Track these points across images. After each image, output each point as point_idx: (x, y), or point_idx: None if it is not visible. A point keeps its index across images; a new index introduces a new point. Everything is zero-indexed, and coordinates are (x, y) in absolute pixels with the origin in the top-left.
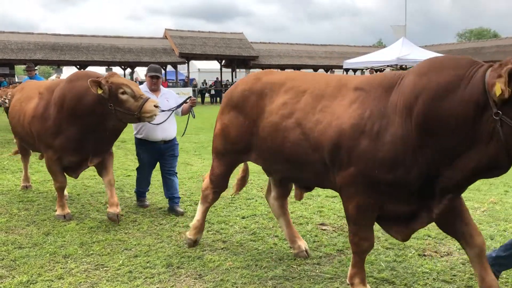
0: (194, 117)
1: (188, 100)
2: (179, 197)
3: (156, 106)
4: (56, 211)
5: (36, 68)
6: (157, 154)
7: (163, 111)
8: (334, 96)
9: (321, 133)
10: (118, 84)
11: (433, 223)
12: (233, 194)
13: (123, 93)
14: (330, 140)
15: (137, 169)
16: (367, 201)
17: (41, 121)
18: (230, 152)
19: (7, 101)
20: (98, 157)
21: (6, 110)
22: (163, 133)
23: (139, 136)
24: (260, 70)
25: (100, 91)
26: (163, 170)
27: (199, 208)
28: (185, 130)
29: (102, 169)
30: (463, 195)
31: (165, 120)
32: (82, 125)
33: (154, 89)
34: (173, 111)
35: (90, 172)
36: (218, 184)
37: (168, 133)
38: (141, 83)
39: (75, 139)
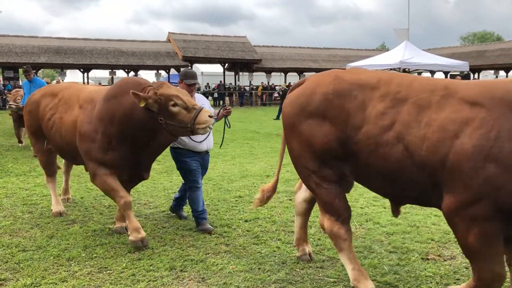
0: (229, 127)
1: (223, 109)
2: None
3: (210, 116)
4: (129, 235)
5: (34, 70)
6: (200, 163)
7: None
8: (442, 107)
9: (431, 151)
10: (168, 95)
11: (437, 227)
12: (255, 207)
13: (174, 105)
14: (443, 160)
15: (190, 186)
16: (492, 226)
17: (88, 138)
18: (323, 167)
19: (13, 106)
20: (147, 172)
21: (15, 114)
22: (208, 142)
23: (181, 146)
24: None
25: (143, 104)
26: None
27: (345, 257)
28: (222, 141)
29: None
30: None
31: (209, 133)
32: (135, 142)
33: (190, 96)
34: (216, 121)
35: None
36: (340, 211)
37: (211, 142)
38: None
39: (128, 158)
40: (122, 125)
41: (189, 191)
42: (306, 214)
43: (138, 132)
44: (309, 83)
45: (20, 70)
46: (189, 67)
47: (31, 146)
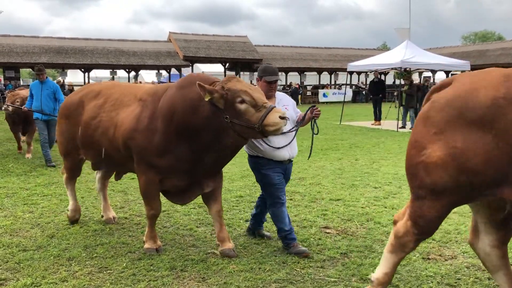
0: (317, 133)
1: (310, 110)
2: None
3: (282, 118)
4: (144, 243)
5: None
6: (282, 174)
7: (291, 130)
8: None
9: None
10: (236, 91)
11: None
12: None
13: (242, 101)
14: None
15: (271, 202)
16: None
17: (146, 135)
18: (462, 187)
19: (10, 108)
20: (212, 181)
21: (10, 115)
22: (291, 150)
23: (261, 155)
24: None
25: (207, 97)
26: None
27: (389, 258)
28: (311, 151)
29: (209, 195)
30: None
31: (291, 135)
32: (196, 143)
33: (271, 95)
34: (299, 125)
35: (93, 175)
36: (428, 230)
37: (294, 150)
38: None
39: (186, 160)
40: (183, 122)
41: (271, 207)
42: (505, 265)
43: (201, 131)
44: (468, 83)
45: (22, 70)
46: (190, 67)
47: (33, 156)
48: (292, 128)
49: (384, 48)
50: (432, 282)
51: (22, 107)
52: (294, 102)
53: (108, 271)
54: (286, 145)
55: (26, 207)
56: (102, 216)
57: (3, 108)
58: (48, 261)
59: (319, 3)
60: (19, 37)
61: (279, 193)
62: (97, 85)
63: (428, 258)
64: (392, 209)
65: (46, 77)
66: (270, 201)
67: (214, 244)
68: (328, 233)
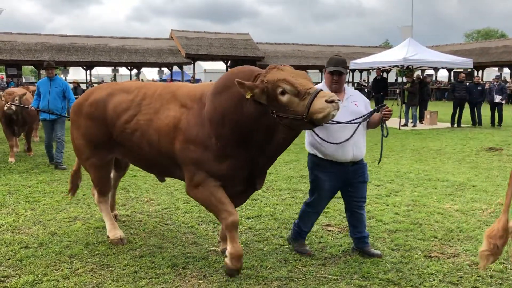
0: (386, 135)
1: (380, 110)
2: (368, 235)
3: (330, 101)
4: (226, 259)
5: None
6: (341, 180)
7: (350, 122)
8: None
9: None
10: (274, 81)
11: (440, 224)
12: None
13: (283, 92)
14: None
15: (308, 202)
16: None
17: (199, 145)
18: None
19: (13, 107)
20: (262, 179)
21: (9, 116)
22: (356, 150)
23: (319, 154)
24: None
25: (249, 95)
26: (349, 202)
27: None
28: (381, 155)
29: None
30: (470, 195)
31: (354, 133)
32: (250, 145)
33: (336, 89)
34: (365, 118)
35: None
36: None
37: (360, 150)
38: None
39: (243, 166)
40: (234, 125)
41: (305, 206)
42: None
43: (252, 132)
44: None
45: (24, 68)
46: (192, 64)
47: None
48: (353, 120)
49: (387, 45)
50: (434, 280)
51: (29, 106)
52: (368, 101)
53: (110, 269)
54: (347, 140)
55: (28, 204)
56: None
57: (5, 107)
58: (49, 258)
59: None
60: (21, 35)
61: (321, 202)
62: (129, 83)
63: (430, 256)
64: (394, 207)
65: (56, 74)
66: (310, 202)
67: (216, 241)
68: (330, 231)
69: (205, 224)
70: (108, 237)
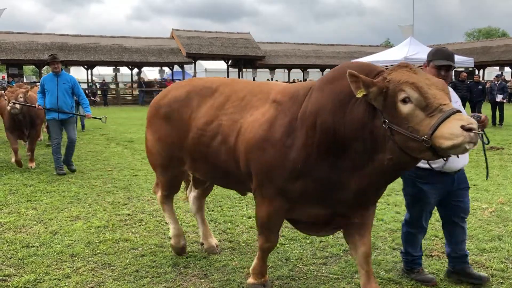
0: (488, 142)
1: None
2: (469, 253)
3: (468, 129)
4: (247, 277)
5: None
6: (446, 191)
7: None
8: None
9: None
10: (398, 83)
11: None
12: None
13: (405, 100)
14: None
15: (410, 221)
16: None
17: (279, 149)
18: None
19: (17, 106)
20: (360, 211)
21: (15, 118)
22: (464, 157)
23: (425, 165)
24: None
25: (360, 94)
26: (450, 212)
27: None
28: (487, 170)
29: (354, 230)
30: (471, 195)
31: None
32: (342, 159)
33: None
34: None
35: (96, 172)
36: None
37: (467, 156)
38: (146, 84)
39: (327, 184)
40: (330, 130)
41: (408, 227)
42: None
43: (351, 142)
44: None
45: (25, 67)
46: (193, 64)
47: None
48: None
49: (388, 45)
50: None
51: (37, 106)
52: (459, 101)
53: (111, 268)
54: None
55: (29, 203)
56: (202, 244)
57: (8, 107)
58: (51, 257)
59: None
60: (22, 34)
61: (427, 217)
62: (210, 80)
63: (431, 255)
64: (395, 206)
65: (62, 69)
66: (410, 220)
67: (217, 241)
68: None
69: None
70: (171, 242)
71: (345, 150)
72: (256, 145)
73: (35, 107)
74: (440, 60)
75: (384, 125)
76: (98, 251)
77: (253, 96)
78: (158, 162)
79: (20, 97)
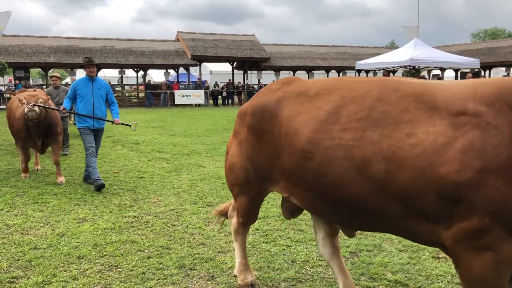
0: None
1: None
2: None
3: None
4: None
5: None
6: None
7: None
8: None
9: None
10: None
11: None
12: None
13: None
14: None
15: None
16: None
17: (506, 180)
18: None
19: (36, 108)
20: None
21: (30, 122)
22: None
23: None
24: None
25: None
26: None
27: None
28: None
29: None
30: None
31: None
32: None
33: None
34: None
35: (103, 174)
36: None
37: None
38: (153, 86)
39: None
40: None
41: None
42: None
43: None
44: None
45: (32, 70)
46: (198, 66)
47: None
48: None
49: (393, 46)
50: (442, 281)
51: (61, 109)
52: None
53: (118, 270)
54: None
55: (36, 205)
56: None
57: (25, 110)
58: (58, 259)
59: (325, 0)
60: (29, 37)
61: None
62: (310, 83)
63: (438, 257)
64: None
65: (97, 74)
66: None
67: (223, 242)
68: None
69: (212, 225)
70: (238, 281)
71: None
72: (473, 180)
73: (59, 110)
74: None
75: None
76: (105, 253)
77: (394, 105)
78: (239, 181)
79: (40, 102)
